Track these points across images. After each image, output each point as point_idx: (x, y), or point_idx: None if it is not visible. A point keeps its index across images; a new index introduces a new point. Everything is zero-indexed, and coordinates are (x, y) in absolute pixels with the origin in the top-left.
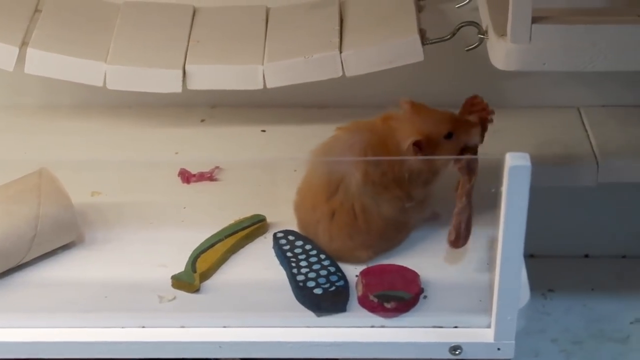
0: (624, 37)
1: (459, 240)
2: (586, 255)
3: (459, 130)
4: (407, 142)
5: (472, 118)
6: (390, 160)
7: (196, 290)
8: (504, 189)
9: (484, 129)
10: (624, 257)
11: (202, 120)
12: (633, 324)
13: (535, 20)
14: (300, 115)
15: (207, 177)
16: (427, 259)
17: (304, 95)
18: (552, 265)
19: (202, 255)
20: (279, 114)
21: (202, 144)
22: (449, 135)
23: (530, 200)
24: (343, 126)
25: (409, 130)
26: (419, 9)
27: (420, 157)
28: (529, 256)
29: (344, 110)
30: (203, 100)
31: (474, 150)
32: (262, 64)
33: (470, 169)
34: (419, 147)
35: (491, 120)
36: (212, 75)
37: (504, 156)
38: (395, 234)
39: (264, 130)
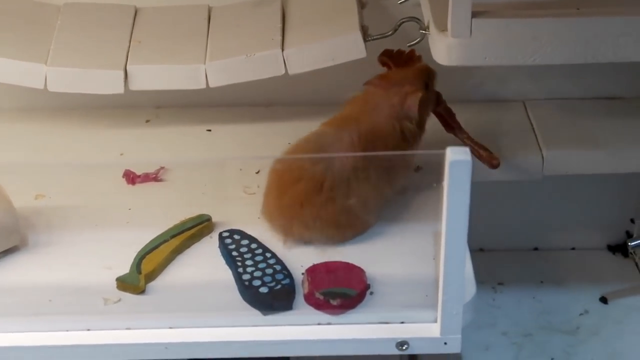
0: (564, 30)
1: (494, 158)
2: (535, 248)
3: (428, 78)
4: (411, 100)
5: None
6: (386, 131)
7: (141, 291)
8: (445, 183)
9: None
10: (573, 249)
11: (147, 121)
12: (582, 315)
13: (475, 14)
14: (246, 114)
15: (152, 177)
16: (373, 255)
17: (250, 93)
18: (502, 259)
19: (147, 257)
20: (224, 113)
21: (147, 144)
22: (426, 86)
23: (478, 194)
24: (327, 121)
25: (402, 91)
26: (362, 5)
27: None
28: (479, 250)
29: (290, 108)
30: (148, 101)
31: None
32: (204, 63)
33: (448, 112)
34: (422, 101)
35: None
36: (154, 75)
37: (445, 151)
38: (344, 230)
39: (209, 130)
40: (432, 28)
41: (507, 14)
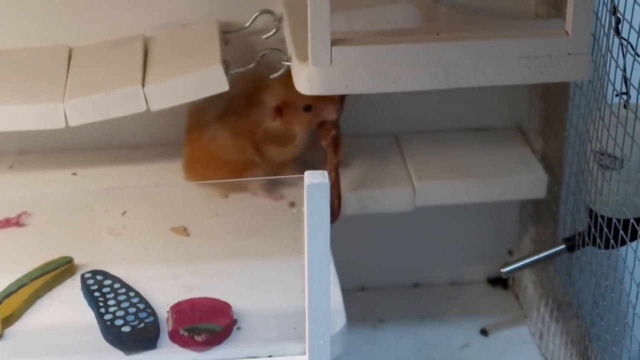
0: (424, 55)
1: (334, 216)
2: (416, 285)
3: (317, 104)
4: (268, 104)
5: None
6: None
7: None
8: (305, 208)
9: (342, 105)
10: (453, 283)
11: (11, 167)
12: (463, 348)
13: (335, 42)
14: (112, 157)
15: (14, 222)
16: (242, 290)
17: (115, 136)
18: (382, 296)
19: (4, 301)
20: (90, 157)
21: (10, 190)
22: (307, 108)
23: (355, 231)
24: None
25: (273, 93)
26: (225, 41)
27: None
28: (359, 289)
29: (157, 149)
30: (11, 147)
31: (334, 123)
32: (63, 102)
33: (335, 144)
34: (278, 111)
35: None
36: (11, 116)
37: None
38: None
39: (75, 174)
40: (294, 58)
41: (367, 41)
